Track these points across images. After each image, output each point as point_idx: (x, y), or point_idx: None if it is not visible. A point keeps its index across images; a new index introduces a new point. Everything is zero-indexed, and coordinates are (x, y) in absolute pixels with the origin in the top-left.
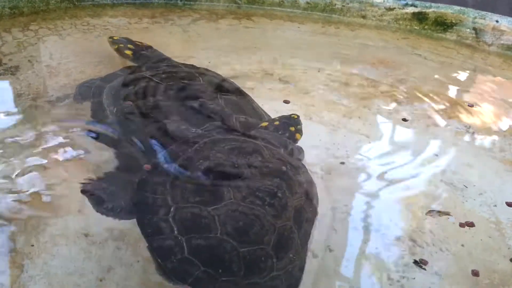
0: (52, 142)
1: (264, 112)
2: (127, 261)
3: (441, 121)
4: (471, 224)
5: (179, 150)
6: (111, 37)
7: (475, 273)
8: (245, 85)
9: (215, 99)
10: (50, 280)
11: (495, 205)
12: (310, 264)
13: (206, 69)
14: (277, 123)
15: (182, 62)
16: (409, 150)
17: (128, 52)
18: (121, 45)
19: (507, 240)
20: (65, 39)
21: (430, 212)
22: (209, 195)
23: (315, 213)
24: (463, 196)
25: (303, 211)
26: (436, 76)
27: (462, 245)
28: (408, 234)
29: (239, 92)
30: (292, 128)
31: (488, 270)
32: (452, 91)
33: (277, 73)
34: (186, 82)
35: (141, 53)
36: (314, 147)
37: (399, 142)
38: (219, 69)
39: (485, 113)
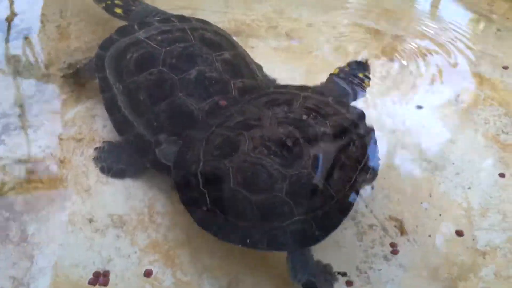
0: (64, 117)
1: (257, 65)
2: (126, 252)
3: (433, 88)
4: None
5: (228, 108)
6: None
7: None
8: (251, 44)
9: (211, 63)
10: (57, 272)
11: (469, 188)
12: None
13: (197, 20)
14: (347, 68)
15: (188, 15)
16: (394, 119)
17: (118, 10)
18: (108, 2)
19: (473, 230)
20: None
21: None
22: (229, 148)
23: (359, 158)
24: (440, 177)
25: (331, 157)
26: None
27: (429, 235)
28: (381, 222)
29: (232, 46)
30: (361, 74)
31: (449, 262)
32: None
33: (282, 26)
34: (181, 46)
35: (131, 8)
36: None
37: (390, 113)
38: (224, 23)
39: (472, 78)
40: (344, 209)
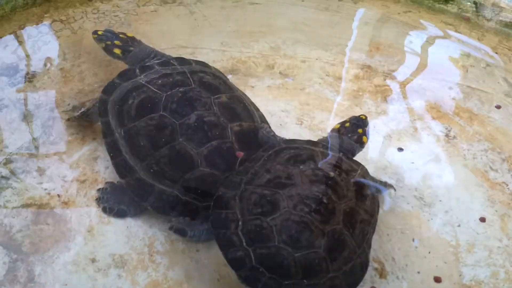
0: (69, 159)
1: (255, 108)
2: None
3: (423, 124)
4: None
5: (249, 165)
6: (95, 32)
7: None
8: (247, 83)
9: (210, 107)
10: None
11: (459, 225)
12: None
13: (196, 63)
14: (347, 125)
15: (189, 54)
16: (390, 160)
17: (117, 50)
18: (108, 43)
19: (460, 266)
20: (77, 33)
21: None
22: (268, 206)
23: (372, 213)
24: (429, 214)
25: (355, 212)
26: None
27: (418, 272)
28: (372, 257)
29: (229, 89)
30: (360, 131)
31: None
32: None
33: (278, 64)
34: (181, 90)
35: (130, 49)
36: None
37: (380, 151)
38: (222, 62)
39: (466, 112)
40: (364, 263)
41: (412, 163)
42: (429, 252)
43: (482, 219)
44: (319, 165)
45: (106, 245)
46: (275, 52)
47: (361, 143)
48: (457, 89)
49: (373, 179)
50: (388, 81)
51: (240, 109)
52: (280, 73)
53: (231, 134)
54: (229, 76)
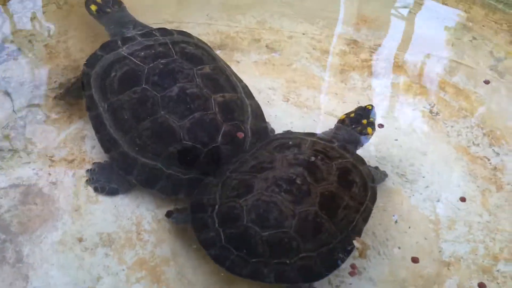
0: (56, 138)
1: (238, 79)
2: (114, 270)
3: (408, 100)
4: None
5: (242, 155)
6: None
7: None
8: (232, 58)
9: (192, 78)
10: None
11: (438, 200)
12: None
13: (179, 33)
14: (352, 115)
15: (175, 28)
16: (374, 136)
17: (93, 7)
18: None
19: (440, 242)
20: (62, 8)
21: None
22: (243, 189)
23: (361, 200)
24: (411, 190)
25: (336, 197)
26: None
27: (399, 248)
28: None
29: (212, 59)
30: (365, 121)
31: (415, 275)
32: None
33: (264, 38)
34: (163, 62)
35: (106, 10)
36: None
37: None
38: (209, 36)
39: (452, 87)
40: (345, 248)
41: (396, 140)
42: (409, 227)
43: (463, 199)
44: (302, 151)
45: (93, 224)
46: (261, 25)
47: (366, 134)
48: (443, 63)
49: (368, 168)
50: (374, 56)
51: (223, 80)
52: (266, 46)
53: (214, 106)
54: (218, 52)
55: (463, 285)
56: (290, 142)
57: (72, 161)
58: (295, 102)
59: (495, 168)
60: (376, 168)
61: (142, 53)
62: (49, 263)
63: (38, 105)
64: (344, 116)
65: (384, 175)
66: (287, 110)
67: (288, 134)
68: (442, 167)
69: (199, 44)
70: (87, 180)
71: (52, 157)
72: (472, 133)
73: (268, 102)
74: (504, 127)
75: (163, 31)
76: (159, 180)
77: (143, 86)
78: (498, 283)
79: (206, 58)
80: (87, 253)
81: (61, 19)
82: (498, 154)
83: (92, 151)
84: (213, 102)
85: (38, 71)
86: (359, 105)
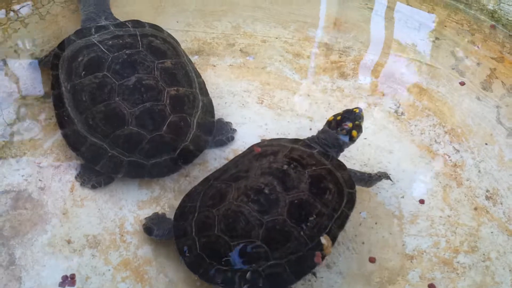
0: (44, 145)
1: (196, 74)
2: (101, 270)
3: (375, 100)
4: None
5: (227, 163)
6: None
7: (370, 272)
8: (209, 62)
9: (151, 70)
10: None
11: (403, 197)
12: None
13: (150, 26)
14: (339, 118)
15: None
16: None
17: None
18: None
19: (404, 236)
20: (45, 19)
21: None
22: (218, 198)
23: (334, 207)
24: (377, 187)
25: (307, 205)
26: (379, 37)
27: (363, 243)
28: None
29: (176, 55)
30: (350, 124)
31: (381, 267)
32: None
33: (238, 42)
34: (127, 53)
35: None
36: (261, 138)
37: None
38: (187, 43)
39: (416, 87)
40: (314, 255)
41: (365, 138)
42: (376, 223)
43: (421, 201)
44: (277, 160)
45: (80, 227)
46: (236, 31)
47: (350, 137)
48: (408, 63)
49: (362, 173)
50: (343, 58)
51: (182, 75)
52: (241, 50)
53: (166, 98)
54: (195, 57)
55: (425, 276)
56: (269, 150)
57: (58, 166)
58: (269, 104)
59: (455, 165)
60: (364, 172)
61: (110, 42)
62: (40, 264)
63: (26, 114)
64: (332, 118)
65: (379, 177)
66: (261, 112)
67: (273, 141)
68: (407, 164)
69: (167, 39)
70: (81, 184)
71: (40, 163)
72: (434, 131)
73: (243, 104)
74: (464, 125)
75: (136, 23)
76: (102, 159)
77: (105, 73)
78: (457, 274)
79: (170, 53)
80: (75, 254)
81: (44, 29)
82: (458, 151)
83: (78, 157)
84: (165, 94)
85: (24, 81)
86: (346, 108)
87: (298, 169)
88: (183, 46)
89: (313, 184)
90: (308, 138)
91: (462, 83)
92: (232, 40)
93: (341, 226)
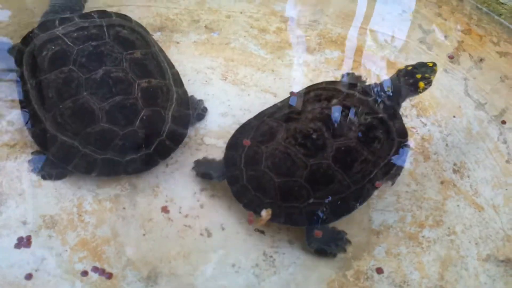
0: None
1: (169, 65)
2: (58, 250)
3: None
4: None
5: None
6: None
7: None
8: (172, 39)
9: (120, 62)
10: None
11: None
12: (203, 242)
13: (117, 16)
14: (409, 68)
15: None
16: None
17: None
18: None
19: (370, 212)
20: None
21: None
22: (268, 135)
23: (380, 155)
24: None
25: (354, 152)
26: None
27: None
28: None
29: (146, 44)
30: (419, 76)
31: None
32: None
33: (203, 19)
34: (93, 44)
35: None
36: (223, 115)
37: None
38: (149, 19)
39: (383, 61)
40: (359, 197)
41: None
42: None
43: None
44: (329, 106)
45: (37, 207)
46: (200, 6)
47: (415, 88)
48: (375, 37)
49: (400, 128)
50: (309, 32)
51: (153, 66)
52: (205, 27)
53: (137, 91)
54: (158, 34)
55: (390, 251)
56: (324, 94)
57: (14, 145)
58: (232, 80)
59: (422, 139)
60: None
61: (75, 34)
62: None
63: None
64: (403, 67)
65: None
66: (224, 88)
67: (332, 83)
68: None
69: (135, 29)
70: (32, 170)
71: None
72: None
73: (206, 81)
74: (431, 98)
75: (102, 13)
76: (74, 158)
77: (70, 67)
78: (422, 248)
79: (139, 43)
80: (31, 235)
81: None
82: (425, 124)
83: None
84: (136, 87)
85: None
86: (421, 61)
87: (349, 117)
88: (145, 22)
89: (362, 132)
90: (367, 85)
91: (451, 56)
92: (196, 16)
93: (386, 173)
